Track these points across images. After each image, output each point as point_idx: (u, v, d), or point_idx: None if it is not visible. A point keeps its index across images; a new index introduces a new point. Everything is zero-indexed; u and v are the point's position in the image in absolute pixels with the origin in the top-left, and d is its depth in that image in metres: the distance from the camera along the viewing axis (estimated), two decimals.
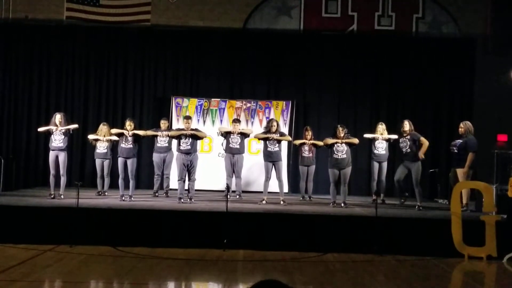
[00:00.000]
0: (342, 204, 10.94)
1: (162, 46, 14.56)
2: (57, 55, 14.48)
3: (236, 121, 12.39)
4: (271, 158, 11.43)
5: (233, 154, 12.00)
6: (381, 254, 8.90)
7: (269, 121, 11.88)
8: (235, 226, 9.26)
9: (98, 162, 12.11)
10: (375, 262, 8.61)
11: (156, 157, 12.40)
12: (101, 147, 11.99)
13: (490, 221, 9.10)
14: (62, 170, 11.09)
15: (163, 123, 12.51)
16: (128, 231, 9.32)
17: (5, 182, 12.92)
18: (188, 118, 11.47)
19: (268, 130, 11.65)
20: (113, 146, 12.10)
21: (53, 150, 11.09)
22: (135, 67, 14.58)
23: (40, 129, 11.59)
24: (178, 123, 13.53)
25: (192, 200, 10.86)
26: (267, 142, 11.44)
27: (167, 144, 12.30)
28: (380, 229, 9.18)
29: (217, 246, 8.96)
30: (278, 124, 11.75)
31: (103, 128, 12.08)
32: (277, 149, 11.44)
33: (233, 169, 12.01)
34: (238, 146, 12.02)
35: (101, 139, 11.94)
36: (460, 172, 10.88)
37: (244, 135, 12.14)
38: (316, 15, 14.48)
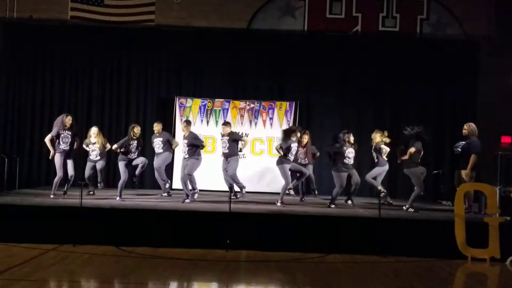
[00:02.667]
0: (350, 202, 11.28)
1: (166, 46, 14.57)
2: (61, 55, 14.51)
3: (224, 123, 12.27)
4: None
5: (226, 158, 11.98)
6: (384, 255, 8.89)
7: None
8: (238, 226, 9.26)
9: (90, 164, 12.04)
10: (378, 263, 8.60)
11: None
12: (93, 155, 11.92)
13: (494, 223, 9.08)
14: (71, 171, 11.13)
15: (156, 126, 12.40)
16: (131, 231, 9.33)
17: (8, 181, 12.95)
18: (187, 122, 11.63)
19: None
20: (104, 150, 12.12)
21: (61, 152, 11.09)
22: (139, 67, 14.60)
23: (48, 139, 11.27)
24: (181, 124, 13.50)
25: (192, 196, 10.88)
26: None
27: (161, 151, 12.17)
28: (383, 230, 9.17)
29: (220, 246, 8.97)
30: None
31: (95, 131, 11.97)
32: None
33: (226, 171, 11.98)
34: (227, 151, 11.93)
35: (95, 147, 11.85)
36: (462, 173, 10.87)
37: (234, 140, 11.95)
38: (320, 16, 14.48)
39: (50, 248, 8.75)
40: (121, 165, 11.34)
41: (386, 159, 11.99)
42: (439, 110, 14.38)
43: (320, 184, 13.41)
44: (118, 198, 11.01)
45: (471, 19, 14.37)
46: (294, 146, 11.35)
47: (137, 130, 11.56)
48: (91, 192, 12.06)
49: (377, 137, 11.95)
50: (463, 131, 11.15)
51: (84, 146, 12.06)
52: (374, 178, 11.96)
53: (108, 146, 11.97)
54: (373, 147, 12.02)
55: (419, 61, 14.27)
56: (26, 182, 14.02)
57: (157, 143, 12.12)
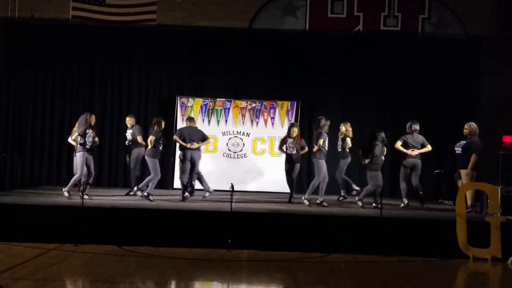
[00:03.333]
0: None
1: (168, 45, 14.56)
2: (63, 54, 14.50)
3: (188, 119, 12.33)
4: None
5: None
6: (386, 255, 8.88)
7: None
8: (239, 226, 9.26)
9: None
10: (379, 263, 8.60)
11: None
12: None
13: (495, 223, 9.08)
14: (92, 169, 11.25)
15: (128, 120, 12.36)
16: (132, 230, 9.34)
17: (10, 181, 12.96)
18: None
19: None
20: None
21: (84, 151, 11.04)
22: (140, 67, 14.59)
23: (75, 138, 11.20)
24: (183, 123, 13.52)
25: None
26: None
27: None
28: (384, 230, 9.16)
29: (222, 245, 8.96)
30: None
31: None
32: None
33: None
34: None
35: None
36: (463, 173, 10.86)
37: None
38: (321, 16, 14.46)
39: (51, 247, 8.75)
40: (154, 162, 11.25)
41: (348, 151, 12.29)
42: (440, 109, 14.37)
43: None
44: (151, 197, 10.96)
45: (473, 18, 14.33)
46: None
47: (163, 124, 11.62)
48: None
49: (344, 128, 12.25)
50: (464, 130, 11.16)
51: (70, 140, 11.71)
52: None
53: (97, 140, 11.76)
54: (341, 137, 12.33)
55: (421, 60, 14.25)
56: (28, 182, 14.03)
57: (129, 137, 12.15)
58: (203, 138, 11.65)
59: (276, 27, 14.50)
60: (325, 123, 11.55)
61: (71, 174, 12.49)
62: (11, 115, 14.41)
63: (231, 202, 9.39)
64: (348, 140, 12.18)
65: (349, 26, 14.48)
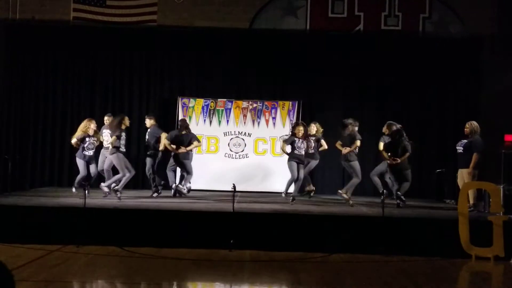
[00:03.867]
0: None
1: (168, 46, 14.57)
2: (64, 55, 14.51)
3: (148, 116, 12.45)
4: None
5: None
6: (388, 255, 8.87)
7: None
8: (241, 226, 9.25)
9: (83, 163, 11.49)
10: (381, 262, 8.59)
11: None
12: (90, 149, 11.47)
13: (498, 222, 9.06)
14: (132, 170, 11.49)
15: (106, 119, 12.29)
16: (134, 231, 9.33)
17: (12, 182, 12.96)
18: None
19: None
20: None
21: (122, 152, 11.21)
22: (141, 68, 14.60)
23: (114, 140, 11.20)
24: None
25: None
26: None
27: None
28: (387, 230, 9.16)
29: (223, 246, 8.96)
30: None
31: (91, 125, 11.55)
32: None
33: None
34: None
35: (93, 141, 11.45)
36: (465, 172, 10.85)
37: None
38: (322, 15, 14.46)
39: (54, 249, 8.75)
40: (190, 163, 11.64)
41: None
42: (440, 109, 14.35)
43: (323, 184, 13.42)
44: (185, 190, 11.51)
45: (474, 17, 14.32)
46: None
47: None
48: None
49: (315, 129, 12.44)
50: (465, 129, 11.15)
51: (73, 142, 11.56)
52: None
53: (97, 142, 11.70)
54: (312, 138, 12.39)
55: (421, 60, 14.24)
56: (30, 183, 14.04)
57: (106, 135, 11.85)
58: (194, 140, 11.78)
59: (277, 27, 14.50)
60: (354, 124, 11.80)
61: (72, 175, 12.53)
62: (13, 116, 14.41)
63: (233, 202, 9.39)
64: (323, 142, 12.29)
65: (350, 26, 14.48)
